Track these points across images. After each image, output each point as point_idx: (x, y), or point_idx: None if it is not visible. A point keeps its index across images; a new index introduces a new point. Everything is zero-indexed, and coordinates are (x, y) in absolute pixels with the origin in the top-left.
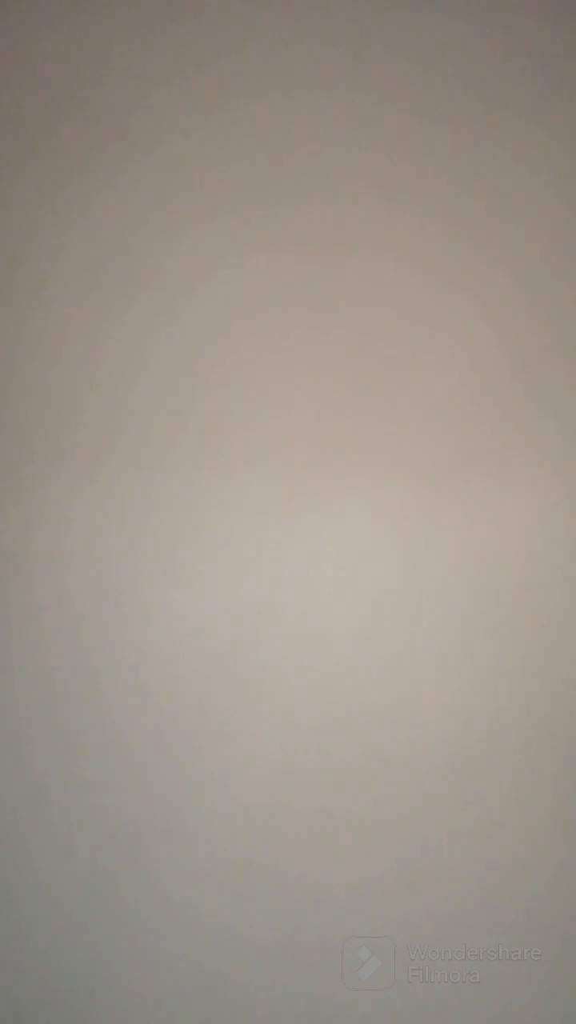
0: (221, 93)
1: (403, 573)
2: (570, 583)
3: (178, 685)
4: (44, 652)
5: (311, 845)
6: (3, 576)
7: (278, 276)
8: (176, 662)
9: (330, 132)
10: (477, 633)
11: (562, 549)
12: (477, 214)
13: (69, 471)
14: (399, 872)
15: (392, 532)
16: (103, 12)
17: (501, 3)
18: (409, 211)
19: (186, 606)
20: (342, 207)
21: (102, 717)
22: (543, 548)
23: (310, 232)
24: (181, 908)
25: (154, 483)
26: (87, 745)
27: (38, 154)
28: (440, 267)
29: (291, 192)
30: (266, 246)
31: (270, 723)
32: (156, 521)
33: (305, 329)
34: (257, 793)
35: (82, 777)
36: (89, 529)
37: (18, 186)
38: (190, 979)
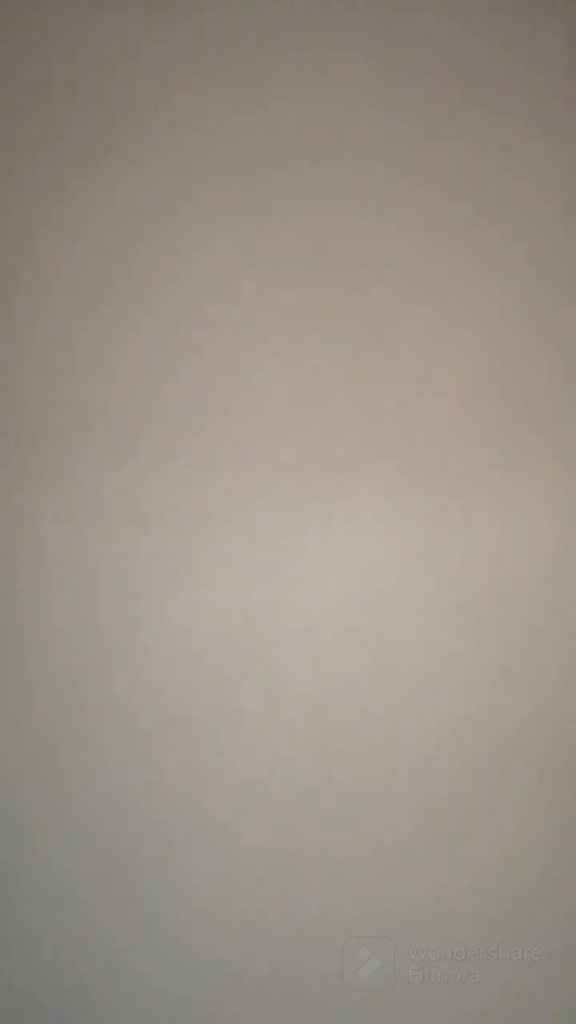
0: (224, 101)
1: (406, 575)
2: (564, 588)
3: (184, 685)
4: (51, 652)
5: (311, 845)
6: (12, 576)
7: (280, 283)
8: (181, 662)
9: (331, 141)
10: (478, 636)
11: (559, 555)
12: (476, 227)
13: (75, 474)
14: (399, 872)
15: (396, 538)
16: (105, 21)
17: (499, 13)
18: (409, 223)
19: (190, 608)
20: (344, 215)
21: (109, 715)
22: (550, 549)
23: (311, 239)
24: (181, 909)
25: (158, 486)
26: (95, 741)
27: (39, 162)
28: (439, 280)
29: (292, 201)
30: (268, 252)
31: (273, 724)
32: (160, 523)
33: (307, 328)
34: (258, 795)
35: (88, 772)
36: (95, 531)
37: (18, 197)
38: (190, 979)
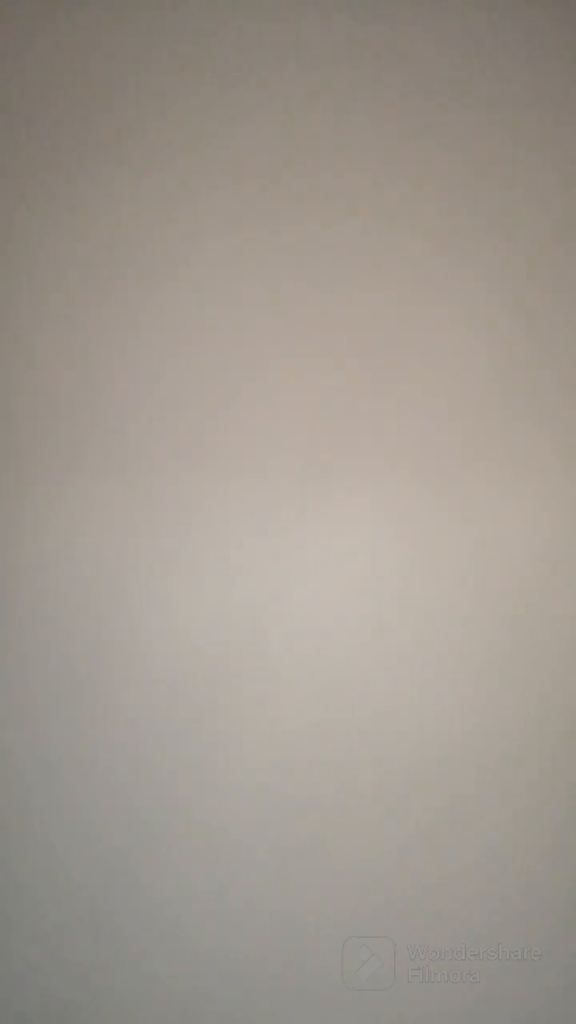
0: (223, 110)
1: (405, 572)
2: (563, 582)
3: (180, 685)
4: (48, 653)
5: (311, 844)
6: (11, 579)
7: (278, 273)
8: (178, 663)
9: (331, 148)
10: (481, 632)
11: (570, 545)
12: (475, 231)
13: (73, 476)
14: (399, 872)
15: (395, 531)
16: (104, 26)
17: (501, 24)
18: (409, 228)
19: (188, 608)
20: (345, 186)
21: (107, 716)
22: (548, 545)
23: (311, 227)
24: (180, 909)
25: (156, 485)
26: (94, 741)
27: (39, 171)
28: (438, 283)
29: (291, 208)
30: (266, 242)
31: (272, 723)
32: (158, 523)
33: (306, 328)
34: (258, 792)
35: (87, 773)
36: (93, 532)
37: (18, 207)
38: (190, 978)
